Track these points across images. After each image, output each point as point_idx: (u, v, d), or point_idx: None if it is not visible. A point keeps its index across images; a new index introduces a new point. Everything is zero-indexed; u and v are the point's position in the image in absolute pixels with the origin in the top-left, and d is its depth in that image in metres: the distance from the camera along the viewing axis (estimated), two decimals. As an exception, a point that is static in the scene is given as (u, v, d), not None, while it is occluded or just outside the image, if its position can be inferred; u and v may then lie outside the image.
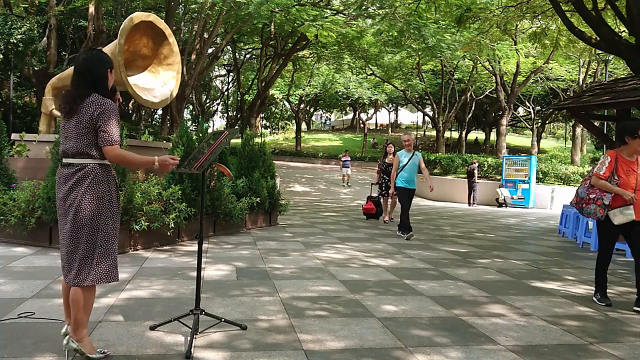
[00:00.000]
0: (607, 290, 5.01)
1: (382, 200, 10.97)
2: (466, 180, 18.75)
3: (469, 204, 18.26)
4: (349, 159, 23.81)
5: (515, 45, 20.01)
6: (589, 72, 27.82)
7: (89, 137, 2.68)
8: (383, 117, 57.80)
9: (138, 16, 7.56)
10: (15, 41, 15.21)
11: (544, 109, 38.27)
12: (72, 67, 3.02)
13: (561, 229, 10.06)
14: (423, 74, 32.25)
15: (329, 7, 21.93)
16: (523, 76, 26.09)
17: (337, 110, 61.82)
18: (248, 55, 35.94)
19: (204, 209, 3.73)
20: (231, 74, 34.04)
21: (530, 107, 35.73)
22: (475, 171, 18.55)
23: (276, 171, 10.45)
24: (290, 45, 26.60)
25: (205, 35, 21.72)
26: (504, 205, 18.18)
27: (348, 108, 57.12)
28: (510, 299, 4.48)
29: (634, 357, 3.17)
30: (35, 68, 18.08)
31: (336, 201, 17.92)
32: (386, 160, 10.70)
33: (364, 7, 19.40)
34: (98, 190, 2.70)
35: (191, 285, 4.51)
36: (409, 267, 5.87)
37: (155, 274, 4.92)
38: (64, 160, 2.76)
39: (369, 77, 34.14)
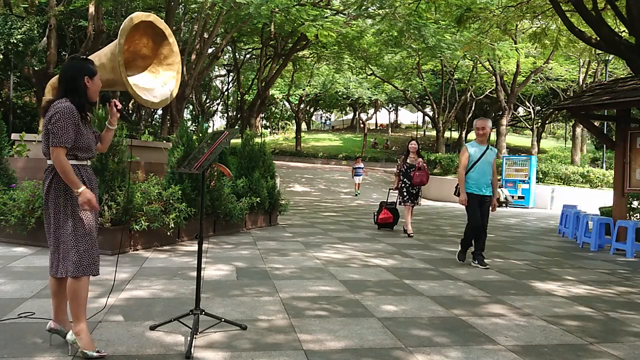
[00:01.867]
0: (607, 291, 5.01)
1: (404, 207, 8.95)
2: None
3: None
4: (361, 166, 21.25)
5: (515, 44, 20.03)
6: (589, 72, 27.83)
7: (47, 139, 2.82)
8: (383, 117, 57.79)
9: (138, 16, 7.56)
10: (15, 41, 15.21)
11: (544, 109, 38.28)
12: None
13: (561, 229, 10.06)
14: (423, 74, 32.25)
15: (329, 7, 21.92)
16: (523, 76, 26.09)
17: (337, 110, 61.82)
18: (248, 55, 35.93)
19: (204, 209, 3.73)
20: (231, 74, 34.03)
21: (530, 107, 35.74)
22: None
23: (276, 171, 10.45)
24: (290, 45, 26.60)
25: (205, 35, 21.71)
26: (504, 204, 18.18)
27: (348, 108, 57.12)
28: (510, 299, 4.48)
29: (634, 357, 3.17)
30: (35, 68, 18.06)
31: (336, 201, 17.92)
32: (408, 161, 8.90)
33: (364, 7, 19.40)
34: (57, 189, 2.82)
35: (191, 285, 4.51)
36: (409, 267, 5.87)
37: (155, 274, 4.92)
38: None
39: (369, 77, 34.14)
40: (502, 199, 18.34)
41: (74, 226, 2.82)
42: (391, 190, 9.69)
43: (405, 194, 8.78)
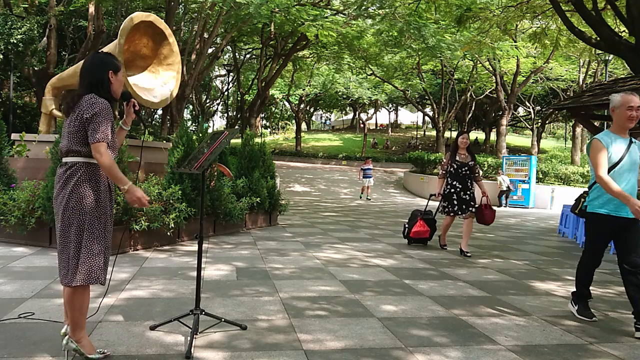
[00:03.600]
0: (607, 290, 5.01)
1: (447, 217, 7.11)
2: None
3: None
4: (371, 167, 19.38)
5: (515, 44, 20.06)
6: (589, 72, 27.84)
7: (78, 135, 2.69)
8: (383, 117, 57.83)
9: (138, 16, 7.56)
10: (15, 41, 15.21)
11: (544, 109, 38.29)
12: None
13: (561, 229, 10.06)
14: (423, 74, 32.26)
15: (329, 7, 21.93)
16: (523, 76, 26.11)
17: (337, 110, 61.84)
18: (248, 55, 35.95)
19: (204, 209, 3.73)
20: (231, 74, 34.03)
21: (530, 107, 35.76)
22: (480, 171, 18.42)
23: (276, 171, 10.44)
24: (290, 45, 26.61)
25: (205, 35, 21.72)
26: (506, 193, 17.95)
27: (348, 108, 57.14)
28: (510, 299, 4.48)
29: (633, 357, 3.17)
30: (35, 68, 18.07)
31: (336, 201, 17.92)
32: (457, 159, 6.94)
33: (364, 7, 19.40)
34: (84, 189, 2.69)
35: (191, 285, 4.51)
36: (409, 267, 5.87)
37: (155, 274, 4.92)
38: (62, 160, 2.79)
39: (369, 77, 34.15)
40: (504, 188, 18.10)
41: (100, 229, 2.72)
42: (433, 197, 7.39)
43: (455, 201, 6.86)
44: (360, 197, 19.57)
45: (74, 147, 2.70)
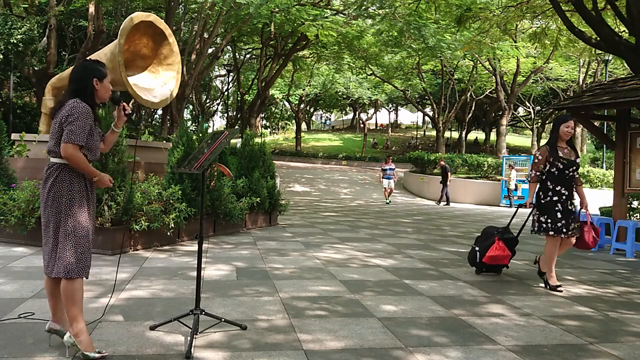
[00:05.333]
0: (607, 290, 4.99)
1: (549, 239, 5.03)
2: (466, 179, 18.73)
3: (439, 202, 18.02)
4: (393, 167, 17.48)
5: (515, 44, 20.08)
6: (589, 72, 27.86)
7: (57, 137, 2.84)
8: (383, 117, 57.86)
9: (138, 16, 7.57)
10: (15, 41, 15.21)
11: (544, 109, 38.31)
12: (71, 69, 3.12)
13: (561, 229, 10.05)
14: (423, 74, 32.27)
15: (329, 7, 21.94)
16: (523, 76, 26.13)
17: (337, 110, 61.86)
18: (248, 55, 35.97)
19: (204, 209, 3.73)
20: (231, 74, 34.04)
21: (530, 107, 35.78)
22: (447, 171, 17.85)
23: (276, 171, 10.44)
24: (290, 45, 26.62)
25: (205, 35, 21.73)
26: (514, 191, 17.81)
27: (348, 108, 57.18)
28: (510, 299, 4.48)
29: (633, 357, 3.17)
30: (35, 68, 18.08)
31: (336, 201, 17.92)
32: (561, 154, 4.94)
33: (364, 7, 19.40)
34: (60, 188, 2.82)
35: (191, 285, 4.51)
36: (409, 267, 5.88)
37: (155, 274, 4.92)
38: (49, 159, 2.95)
39: (369, 77, 34.17)
40: (512, 185, 18.00)
41: (73, 227, 2.82)
42: (520, 208, 5.62)
43: (558, 214, 4.87)
44: (388, 203, 17.47)
45: (53, 148, 2.86)
